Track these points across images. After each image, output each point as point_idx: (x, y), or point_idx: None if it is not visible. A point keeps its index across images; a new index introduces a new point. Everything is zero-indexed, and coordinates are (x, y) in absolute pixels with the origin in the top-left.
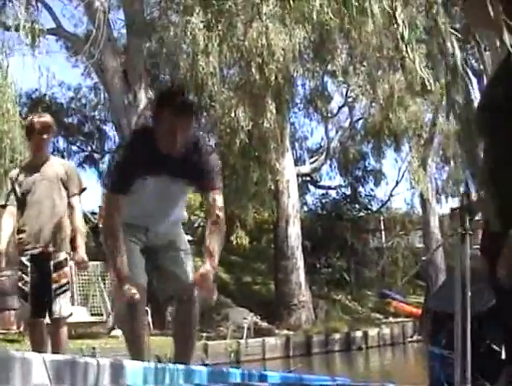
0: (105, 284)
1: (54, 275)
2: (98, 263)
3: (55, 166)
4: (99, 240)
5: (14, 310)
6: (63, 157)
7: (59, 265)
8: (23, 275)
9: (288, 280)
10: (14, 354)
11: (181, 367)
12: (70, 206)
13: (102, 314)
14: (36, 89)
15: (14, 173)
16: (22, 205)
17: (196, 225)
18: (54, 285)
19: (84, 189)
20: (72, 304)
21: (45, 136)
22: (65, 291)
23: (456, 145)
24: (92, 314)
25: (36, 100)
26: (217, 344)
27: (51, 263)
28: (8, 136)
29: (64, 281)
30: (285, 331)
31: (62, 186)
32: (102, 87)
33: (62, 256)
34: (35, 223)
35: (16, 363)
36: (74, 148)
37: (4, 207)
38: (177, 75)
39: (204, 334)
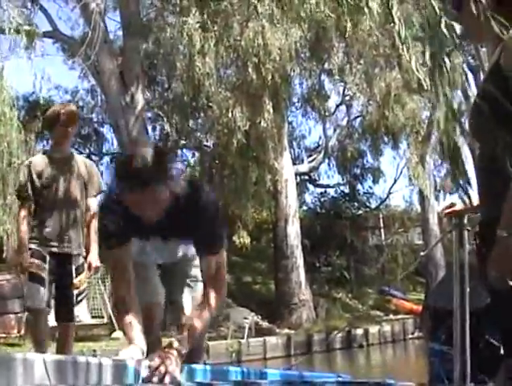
0: (105, 286)
1: (75, 281)
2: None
3: (78, 163)
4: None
5: (15, 313)
6: None
7: (80, 270)
8: (41, 262)
9: (288, 279)
10: (15, 354)
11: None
12: (87, 207)
13: (103, 317)
14: (33, 92)
15: (32, 162)
16: (38, 198)
17: None
18: (75, 291)
19: (101, 191)
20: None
21: (70, 128)
22: (85, 297)
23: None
24: (92, 317)
25: (33, 103)
26: (218, 344)
27: (73, 267)
28: (5, 139)
29: (84, 286)
30: (286, 330)
31: (83, 185)
32: (99, 89)
33: (81, 260)
34: (55, 221)
35: (16, 364)
36: (72, 150)
37: (19, 197)
38: (174, 75)
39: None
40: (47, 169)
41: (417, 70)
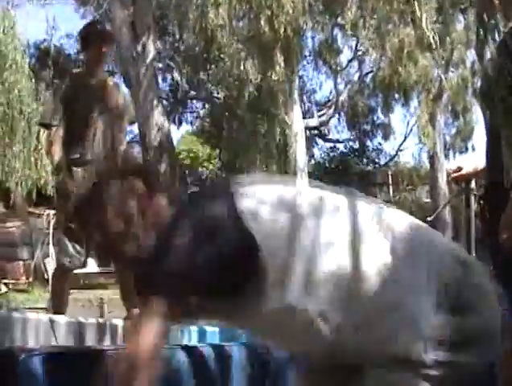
0: None
1: None
2: None
3: (113, 89)
4: None
5: (24, 260)
6: None
7: None
8: None
9: None
10: (20, 314)
11: (194, 327)
12: (119, 139)
13: (110, 265)
14: (44, 39)
15: (65, 85)
16: (71, 128)
17: (203, 177)
18: None
19: (134, 122)
20: None
21: (104, 48)
22: None
23: (466, 100)
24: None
25: (44, 51)
26: None
27: None
28: (16, 87)
29: None
30: None
31: (118, 115)
32: None
33: None
34: (92, 155)
35: (22, 323)
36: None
37: (47, 126)
38: (186, 26)
39: None
40: (79, 96)
41: (426, 27)
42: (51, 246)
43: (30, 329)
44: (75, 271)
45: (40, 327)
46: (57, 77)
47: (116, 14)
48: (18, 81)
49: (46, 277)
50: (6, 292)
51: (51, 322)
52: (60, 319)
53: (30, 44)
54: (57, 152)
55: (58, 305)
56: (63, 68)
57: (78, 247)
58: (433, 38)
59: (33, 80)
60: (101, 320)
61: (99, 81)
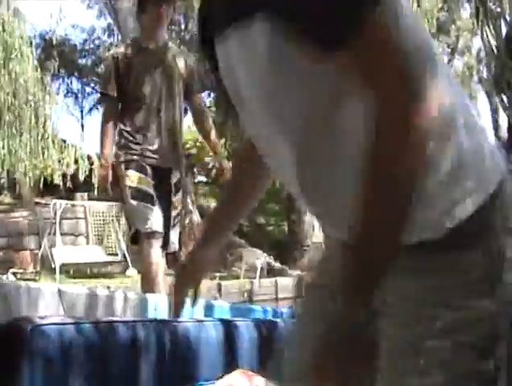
0: (119, 224)
1: (173, 199)
2: (113, 204)
3: (175, 56)
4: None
5: (31, 250)
6: (76, 98)
7: (176, 188)
8: (144, 175)
9: (301, 221)
10: (33, 285)
11: (202, 301)
12: (195, 110)
13: (117, 254)
14: (50, 30)
15: (119, 53)
16: (126, 98)
17: (209, 167)
18: (173, 212)
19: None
20: (88, 243)
21: (163, 7)
22: (179, 221)
23: (471, 88)
24: (108, 254)
25: (50, 41)
26: (231, 284)
27: (172, 182)
28: (22, 77)
29: (179, 207)
30: (298, 272)
31: (182, 85)
32: (116, 28)
33: (178, 176)
34: (149, 128)
35: (30, 293)
36: (88, 89)
37: (103, 95)
38: (192, 16)
39: (218, 274)
40: (136, 65)
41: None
42: (57, 235)
43: (42, 299)
44: (83, 261)
45: (51, 298)
46: (62, 67)
47: (122, 3)
48: (24, 71)
49: (53, 266)
50: (14, 281)
51: (61, 292)
52: (70, 290)
53: (35, 35)
54: (108, 146)
55: (151, 286)
56: (68, 58)
57: (153, 207)
58: (429, 19)
59: (39, 70)
60: (112, 291)
61: (158, 47)
